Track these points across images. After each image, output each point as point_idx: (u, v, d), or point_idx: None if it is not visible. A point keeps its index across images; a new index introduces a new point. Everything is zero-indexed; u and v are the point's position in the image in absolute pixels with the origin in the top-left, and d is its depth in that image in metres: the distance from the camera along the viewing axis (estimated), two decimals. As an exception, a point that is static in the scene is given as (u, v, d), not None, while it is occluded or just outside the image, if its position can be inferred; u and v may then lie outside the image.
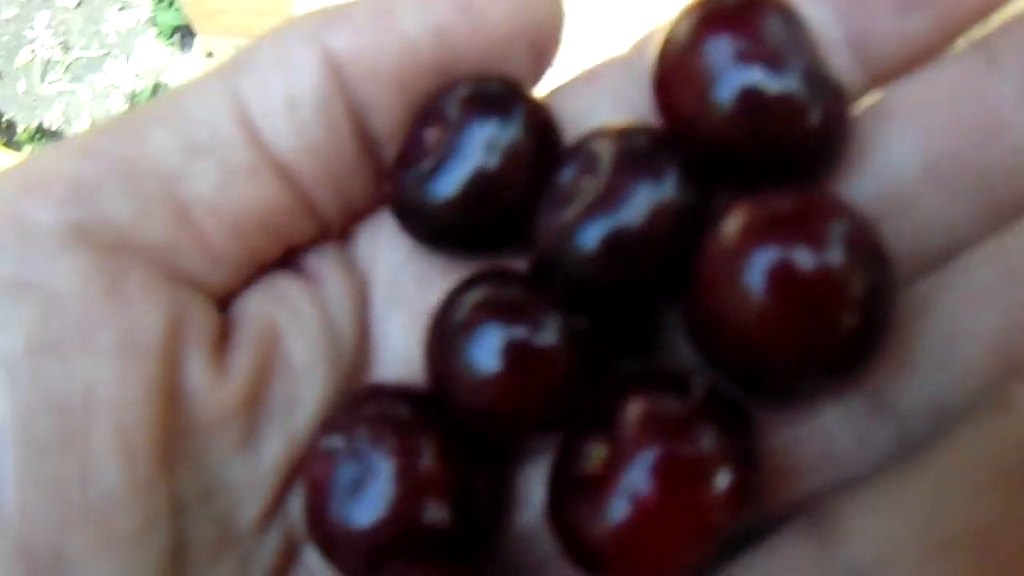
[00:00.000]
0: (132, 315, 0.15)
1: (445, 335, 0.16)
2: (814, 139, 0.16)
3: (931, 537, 0.14)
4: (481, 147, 0.17)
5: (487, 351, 0.15)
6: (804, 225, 0.15)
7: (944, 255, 0.17)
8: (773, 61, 0.16)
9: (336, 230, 0.18)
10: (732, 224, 0.15)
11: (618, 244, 0.16)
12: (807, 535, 0.15)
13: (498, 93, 0.17)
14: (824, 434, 0.16)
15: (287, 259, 0.18)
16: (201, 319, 0.16)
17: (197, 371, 0.16)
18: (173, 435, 0.15)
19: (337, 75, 0.17)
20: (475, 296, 0.16)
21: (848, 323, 0.15)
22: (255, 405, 0.16)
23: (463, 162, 0.17)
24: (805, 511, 0.16)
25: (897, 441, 0.16)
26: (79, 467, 0.15)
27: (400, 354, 0.18)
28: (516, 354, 0.15)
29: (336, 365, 0.17)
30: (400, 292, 0.18)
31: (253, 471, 0.16)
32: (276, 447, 0.16)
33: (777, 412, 0.16)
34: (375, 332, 0.18)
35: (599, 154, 0.16)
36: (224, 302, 0.17)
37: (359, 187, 0.18)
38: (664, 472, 0.14)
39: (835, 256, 0.15)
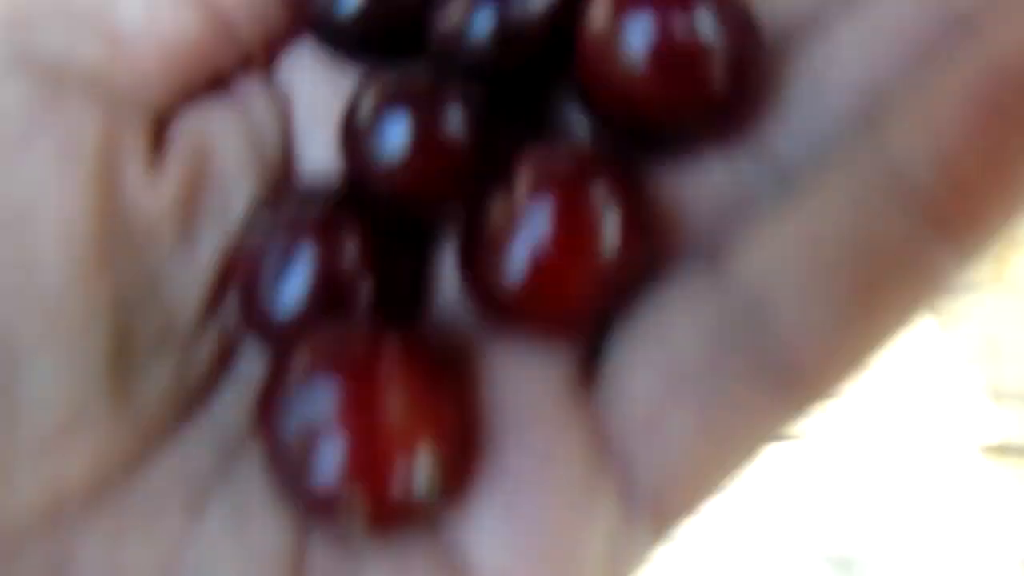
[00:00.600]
0: (70, 125, 0.17)
1: (354, 128, 0.17)
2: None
3: (816, 256, 0.16)
4: None
5: (394, 136, 0.17)
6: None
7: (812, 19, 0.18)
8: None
9: (259, 55, 0.20)
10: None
11: (508, 32, 0.17)
12: (699, 272, 0.17)
13: None
14: (709, 181, 0.18)
15: (215, 85, 0.19)
16: (135, 130, 0.18)
17: (133, 175, 0.17)
18: (112, 232, 0.17)
19: None
20: (378, 88, 0.17)
21: (715, 75, 0.16)
22: (189, 207, 0.18)
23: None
24: (695, 253, 0.17)
25: (780, 183, 0.17)
26: (21, 260, 0.16)
27: (322, 164, 0.19)
28: (419, 130, 0.17)
29: (263, 175, 0.19)
30: (319, 107, 0.20)
31: (189, 271, 0.18)
32: (210, 246, 0.18)
33: (665, 166, 0.18)
34: (298, 144, 0.20)
35: None
36: (158, 120, 0.19)
37: (278, 12, 0.19)
38: (559, 219, 0.16)
39: (700, 16, 0.16)
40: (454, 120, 0.17)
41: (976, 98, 0.15)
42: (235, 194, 0.18)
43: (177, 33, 0.18)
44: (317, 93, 0.20)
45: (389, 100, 0.17)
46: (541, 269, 0.16)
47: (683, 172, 0.18)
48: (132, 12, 0.18)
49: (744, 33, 0.17)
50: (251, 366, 0.18)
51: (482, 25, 0.17)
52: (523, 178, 0.16)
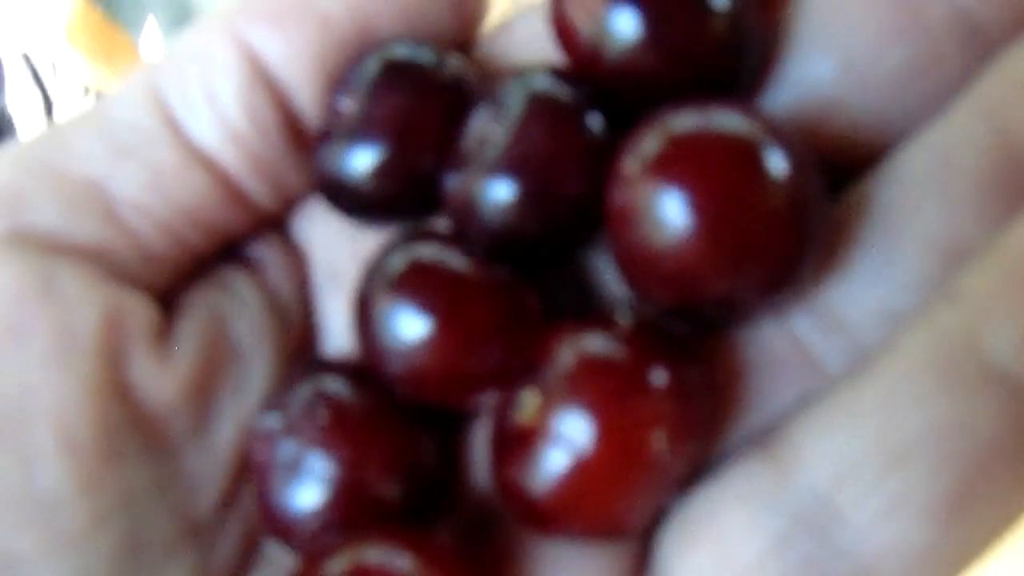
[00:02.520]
0: (66, 314, 0.16)
1: (368, 308, 0.16)
2: (727, 51, 0.16)
3: (887, 449, 0.14)
4: (392, 114, 0.16)
5: (409, 317, 0.15)
6: (711, 144, 0.14)
7: (877, 154, 0.16)
8: None
9: (274, 217, 0.18)
10: (636, 153, 0.15)
11: (530, 195, 0.15)
12: (761, 462, 0.15)
13: (408, 57, 0.17)
14: (772, 356, 0.16)
15: (229, 251, 0.18)
16: (140, 314, 0.16)
17: (140, 364, 0.16)
18: (119, 429, 0.15)
19: (255, 63, 0.17)
20: (393, 263, 0.15)
21: (777, 239, 0.14)
22: (204, 392, 0.16)
23: (376, 132, 0.16)
24: (758, 439, 0.15)
25: (851, 355, 0.15)
26: (18, 468, 0.15)
27: (342, 330, 0.18)
28: (439, 316, 0.15)
29: (282, 345, 0.17)
30: (337, 269, 0.18)
31: (207, 459, 0.16)
32: (228, 432, 0.17)
33: (720, 339, 0.16)
34: (318, 311, 0.18)
35: (502, 101, 0.16)
36: (167, 298, 0.17)
37: (291, 172, 0.18)
38: (597, 415, 0.14)
39: (753, 171, 0.14)
40: (477, 295, 0.15)
41: None
42: (253, 368, 0.17)
43: (182, 204, 0.17)
44: (335, 251, 0.18)
45: (404, 276, 0.15)
46: (577, 478, 0.14)
47: (743, 346, 0.16)
48: (133, 182, 0.17)
49: (810, 183, 0.15)
50: (277, 564, 0.17)
51: (503, 189, 0.15)
52: (554, 367, 0.14)
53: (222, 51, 0.17)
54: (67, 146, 0.17)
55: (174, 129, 0.17)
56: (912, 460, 0.14)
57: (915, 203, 0.15)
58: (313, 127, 0.17)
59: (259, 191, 0.18)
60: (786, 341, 0.16)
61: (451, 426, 0.17)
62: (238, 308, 0.17)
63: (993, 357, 0.14)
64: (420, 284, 0.15)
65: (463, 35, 0.18)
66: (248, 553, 0.17)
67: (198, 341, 0.17)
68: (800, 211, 0.14)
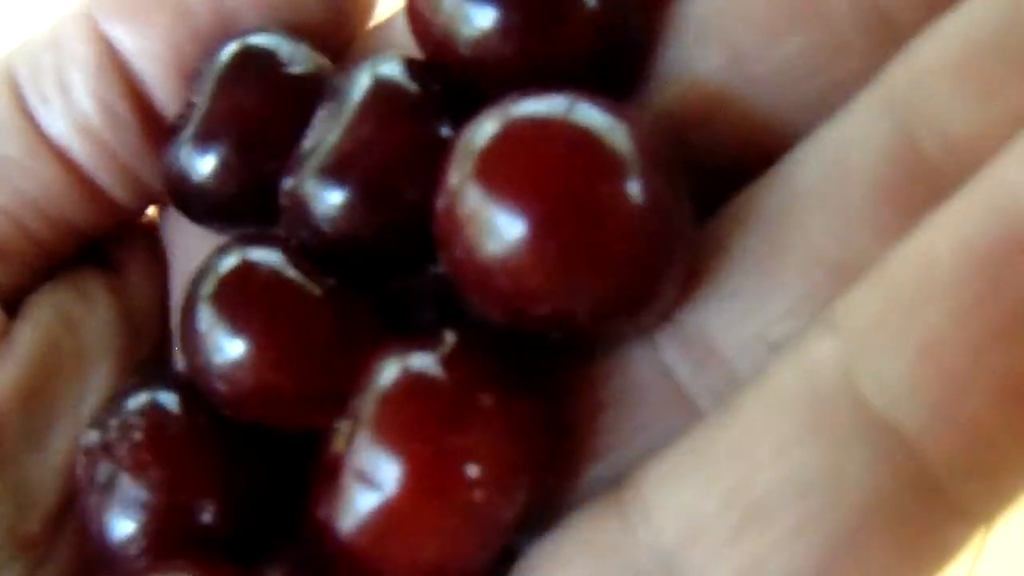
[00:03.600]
0: None
1: (188, 318, 0.14)
2: (593, 41, 0.14)
3: (742, 504, 0.12)
4: (236, 111, 0.15)
5: (226, 330, 0.14)
6: (543, 138, 0.12)
7: (770, 157, 0.14)
8: None
9: (138, 216, 0.17)
10: (461, 149, 0.13)
11: (363, 198, 0.14)
12: (611, 511, 0.13)
13: (259, 49, 0.15)
14: (637, 388, 0.14)
15: (92, 252, 0.17)
16: None
17: None
18: None
19: (110, 54, 0.16)
20: (214, 270, 0.14)
21: (621, 249, 0.12)
22: (39, 399, 0.16)
23: (218, 130, 0.15)
24: (613, 483, 0.13)
25: (724, 388, 0.13)
26: None
27: None
28: (256, 330, 0.14)
29: (132, 355, 0.16)
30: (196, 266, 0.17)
31: (40, 470, 0.15)
32: (64, 443, 0.16)
33: (581, 367, 0.14)
34: (175, 319, 0.17)
35: (342, 94, 0.14)
36: (10, 296, 0.16)
37: (152, 169, 0.17)
38: (404, 448, 0.12)
39: (592, 170, 0.12)
40: (302, 309, 0.14)
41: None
42: (98, 377, 0.16)
43: (31, 196, 0.16)
44: (196, 256, 0.17)
45: (224, 285, 0.14)
46: (384, 520, 0.12)
47: (598, 374, 0.14)
48: None
49: (670, 187, 0.13)
50: None
51: (330, 191, 0.14)
52: (368, 393, 0.13)
53: (77, 40, 0.16)
54: None
55: (26, 117, 0.16)
56: (770, 518, 0.12)
57: (803, 213, 0.13)
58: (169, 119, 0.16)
59: (116, 187, 0.17)
60: (654, 371, 0.14)
61: (302, 451, 0.15)
62: (88, 312, 0.16)
63: (870, 398, 0.11)
64: (239, 294, 0.14)
65: (340, 31, 0.17)
66: (81, 572, 0.16)
67: (38, 344, 0.16)
68: (655, 219, 0.12)
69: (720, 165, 0.14)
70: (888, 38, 0.13)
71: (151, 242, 0.18)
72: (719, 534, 0.12)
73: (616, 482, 0.13)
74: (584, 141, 0.12)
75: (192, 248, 0.17)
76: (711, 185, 0.14)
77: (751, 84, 0.14)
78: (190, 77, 0.16)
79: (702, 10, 0.14)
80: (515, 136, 0.12)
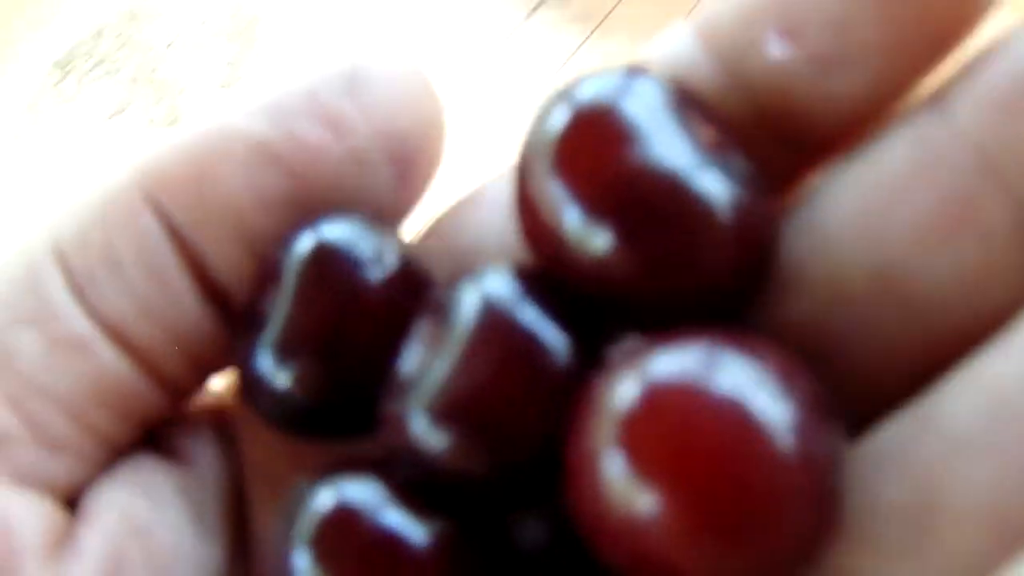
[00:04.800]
0: None
1: (282, 563, 0.13)
2: (727, 256, 0.13)
3: None
4: (322, 312, 0.14)
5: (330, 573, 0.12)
6: (703, 393, 0.11)
7: (912, 390, 0.13)
8: (646, 156, 0.12)
9: (199, 392, 0.16)
10: (606, 396, 0.12)
11: (475, 437, 0.12)
12: None
13: (341, 244, 0.14)
14: None
15: (155, 439, 0.16)
16: (35, 520, 0.14)
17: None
18: None
19: (162, 225, 0.15)
20: (308, 513, 0.13)
21: (788, 529, 0.11)
22: None
23: (303, 336, 0.14)
24: None
25: None
26: None
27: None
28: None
29: (207, 560, 0.15)
30: (275, 476, 0.16)
31: None
32: None
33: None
34: (252, 522, 0.16)
35: (450, 314, 0.13)
36: (71, 495, 0.15)
37: (213, 345, 0.15)
38: None
39: (756, 435, 0.11)
40: (411, 567, 0.12)
41: None
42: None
43: (87, 383, 0.15)
44: (272, 452, 0.16)
45: (319, 544, 0.13)
46: None
47: None
48: (31, 357, 0.14)
49: (819, 441, 0.12)
50: None
51: (441, 423, 0.12)
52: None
53: (127, 213, 0.15)
54: None
55: (79, 298, 0.15)
56: None
57: (961, 460, 0.12)
58: (232, 292, 0.15)
59: (176, 368, 0.15)
60: None
61: None
62: (156, 514, 0.15)
63: None
64: (340, 540, 0.13)
65: (401, 202, 0.15)
66: None
67: (103, 551, 0.14)
68: (811, 481, 0.11)
69: (861, 394, 0.13)
70: None
71: (217, 429, 0.16)
72: None
73: None
74: (728, 405, 0.11)
75: (271, 443, 0.16)
76: (853, 410, 0.13)
77: (901, 304, 0.13)
78: (251, 244, 0.15)
79: (840, 214, 0.13)
80: (660, 405, 0.11)
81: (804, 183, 0.14)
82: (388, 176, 0.15)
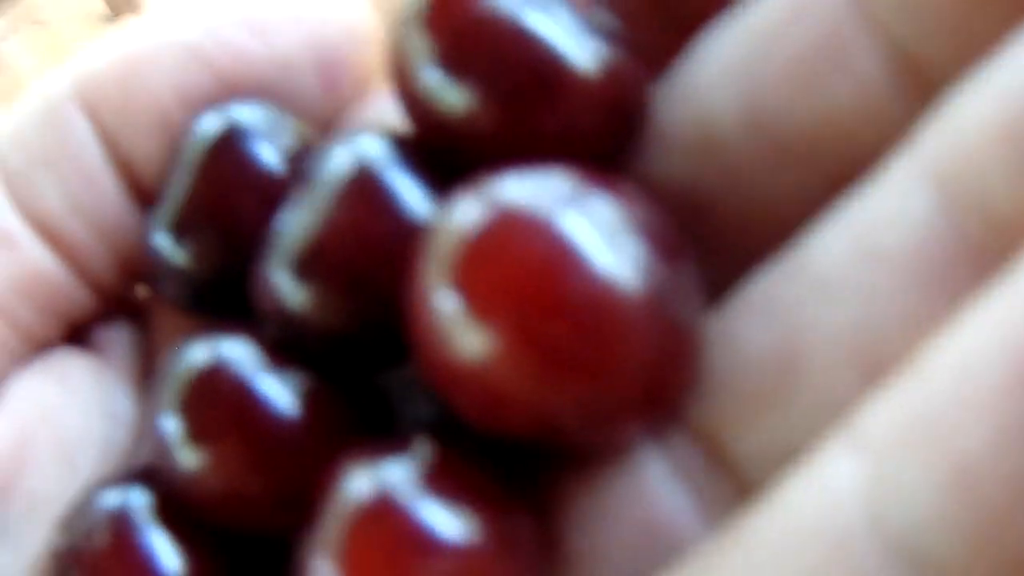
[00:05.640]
0: None
1: (157, 419, 0.13)
2: (591, 115, 0.12)
3: None
4: (217, 189, 0.14)
5: (192, 433, 0.13)
6: (536, 235, 0.11)
7: (783, 234, 0.12)
8: (508, 11, 0.12)
9: (127, 293, 0.17)
10: (431, 251, 0.11)
11: (334, 292, 0.12)
12: None
13: (242, 124, 0.14)
14: (645, 499, 0.12)
15: (76, 334, 0.16)
16: None
17: None
18: None
19: (96, 127, 0.15)
20: (182, 368, 0.13)
21: (614, 356, 0.11)
22: (8, 491, 0.15)
23: (196, 213, 0.14)
24: None
25: (735, 501, 0.12)
26: None
27: None
28: (227, 432, 0.13)
29: (113, 443, 0.15)
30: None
31: (12, 569, 0.14)
32: (38, 541, 0.15)
33: (576, 475, 0.12)
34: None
35: (316, 174, 0.13)
36: None
37: (140, 244, 0.16)
38: None
39: (593, 272, 0.11)
40: (272, 419, 0.13)
41: None
42: (76, 469, 0.15)
43: (15, 279, 0.15)
44: (184, 335, 0.16)
45: (193, 397, 0.13)
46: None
47: (605, 486, 0.12)
48: None
49: (673, 278, 0.11)
50: None
51: (296, 280, 0.13)
52: (328, 514, 0.11)
53: (63, 118, 0.15)
54: None
55: (14, 197, 0.15)
56: None
57: (828, 304, 0.11)
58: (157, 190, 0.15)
59: (105, 267, 0.16)
60: (666, 477, 0.12)
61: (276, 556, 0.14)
62: (67, 400, 0.15)
63: (897, 528, 0.10)
64: (205, 395, 0.13)
65: (332, 102, 0.16)
66: None
67: (8, 436, 0.15)
68: (657, 319, 0.11)
69: (736, 243, 0.12)
70: (921, 93, 0.11)
71: (137, 323, 0.17)
72: None
73: None
74: (568, 235, 0.11)
75: (181, 330, 0.16)
76: (723, 266, 0.12)
77: (775, 149, 0.12)
78: (176, 143, 0.15)
79: (714, 66, 0.13)
80: (491, 234, 0.11)
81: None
82: (314, 82, 0.16)
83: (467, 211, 0.11)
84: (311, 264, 0.13)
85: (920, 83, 0.12)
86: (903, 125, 0.12)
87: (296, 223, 0.13)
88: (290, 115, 0.15)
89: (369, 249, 0.12)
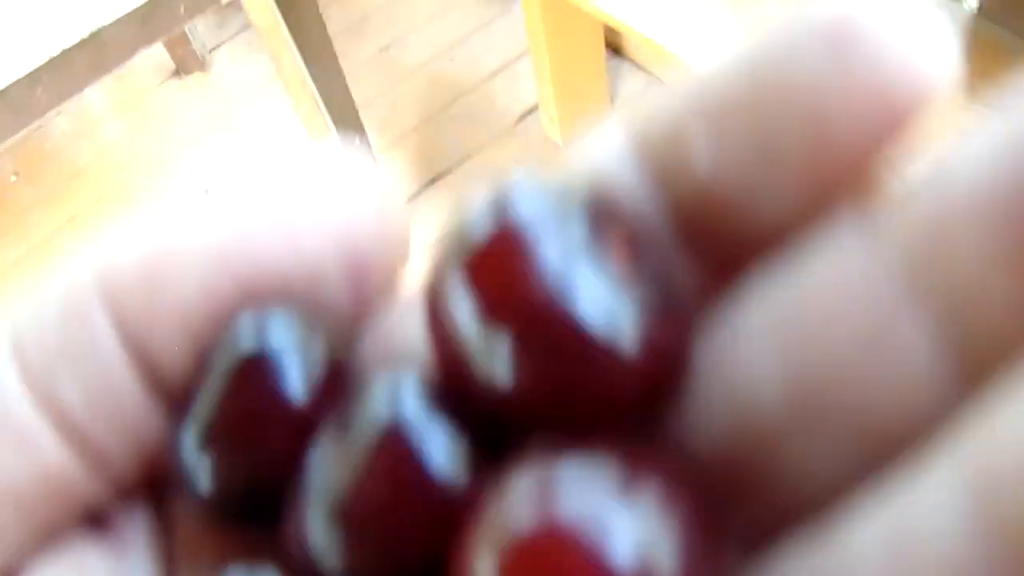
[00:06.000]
0: None
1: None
2: (629, 384, 0.12)
3: None
4: (242, 409, 0.14)
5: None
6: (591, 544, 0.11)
7: (814, 511, 0.12)
8: (550, 280, 0.12)
9: (140, 486, 0.16)
10: (484, 535, 0.11)
11: (360, 547, 0.12)
12: None
13: (272, 336, 0.14)
14: None
15: (85, 523, 0.16)
16: None
17: None
18: None
19: (116, 322, 0.15)
20: None
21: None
22: None
23: (223, 426, 0.14)
24: None
25: None
26: None
27: None
28: None
29: None
30: (204, 555, 0.16)
31: None
32: None
33: None
34: None
35: (354, 417, 0.13)
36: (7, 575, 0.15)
37: (159, 439, 0.16)
38: None
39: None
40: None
41: None
42: None
43: (34, 476, 0.15)
44: (201, 539, 0.16)
45: None
46: None
47: None
48: None
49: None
50: None
51: (333, 532, 0.12)
52: None
53: (86, 311, 0.15)
54: None
55: (33, 389, 0.15)
56: None
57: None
58: (179, 387, 0.15)
59: (122, 460, 0.15)
60: None
61: None
62: None
63: None
64: None
65: (357, 311, 0.15)
66: None
67: None
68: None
69: (772, 504, 0.12)
70: (972, 370, 0.11)
71: (155, 503, 0.16)
72: None
73: None
74: (613, 551, 0.11)
75: (201, 528, 0.16)
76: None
77: (814, 422, 0.12)
78: (199, 342, 0.15)
79: (755, 338, 0.12)
80: (540, 547, 0.11)
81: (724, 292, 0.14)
82: (341, 286, 0.15)
83: (519, 505, 0.11)
84: (340, 515, 0.12)
85: (971, 360, 0.11)
86: (951, 403, 0.11)
87: (330, 469, 0.13)
88: (319, 326, 0.15)
89: (399, 510, 0.12)
